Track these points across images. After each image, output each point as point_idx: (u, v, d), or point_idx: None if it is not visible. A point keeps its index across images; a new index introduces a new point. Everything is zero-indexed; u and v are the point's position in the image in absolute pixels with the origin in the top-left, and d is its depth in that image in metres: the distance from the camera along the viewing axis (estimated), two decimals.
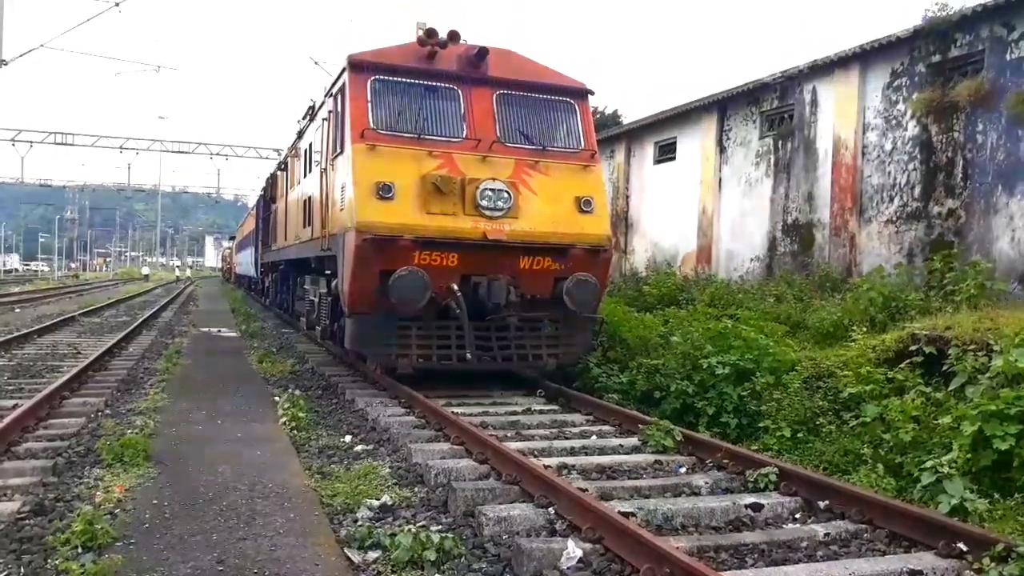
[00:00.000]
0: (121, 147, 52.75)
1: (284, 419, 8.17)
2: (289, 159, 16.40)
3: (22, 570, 4.22)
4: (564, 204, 9.84)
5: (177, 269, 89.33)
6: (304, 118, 13.91)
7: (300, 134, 14.56)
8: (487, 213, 9.35)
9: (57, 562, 4.26)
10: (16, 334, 15.77)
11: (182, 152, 54.97)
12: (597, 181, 10.30)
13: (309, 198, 12.83)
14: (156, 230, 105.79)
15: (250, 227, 30.72)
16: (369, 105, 9.51)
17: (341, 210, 9.77)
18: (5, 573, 4.18)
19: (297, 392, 9.17)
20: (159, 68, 36.37)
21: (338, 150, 10.14)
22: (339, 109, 10.22)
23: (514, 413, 9.00)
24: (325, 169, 10.97)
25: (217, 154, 54.22)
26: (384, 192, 9.05)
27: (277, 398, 9.56)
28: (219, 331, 19.20)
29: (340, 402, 9.72)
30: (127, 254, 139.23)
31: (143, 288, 48.18)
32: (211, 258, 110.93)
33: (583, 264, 9.72)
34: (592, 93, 10.71)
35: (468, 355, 9.21)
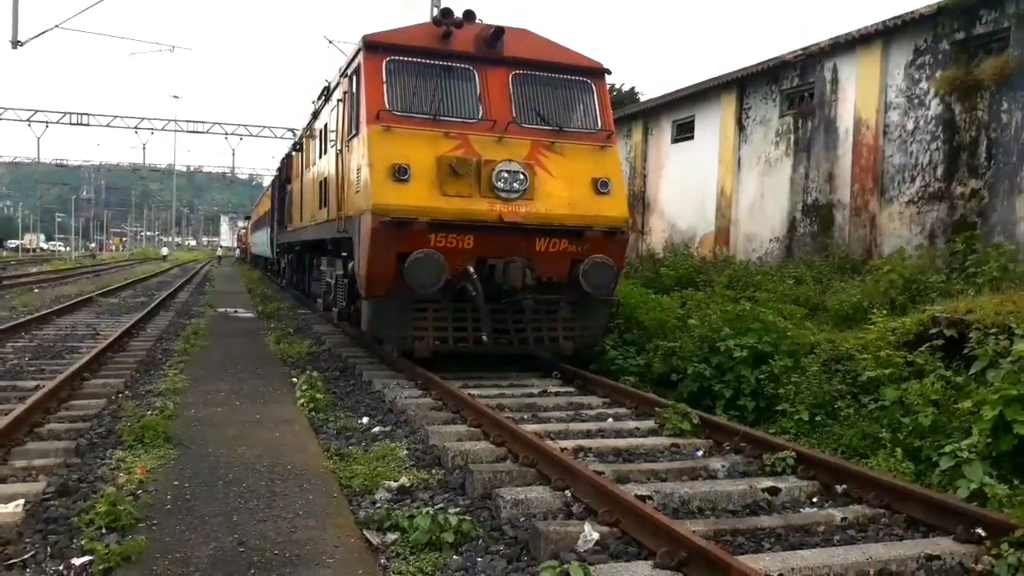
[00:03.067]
0: (136, 127, 53.07)
1: (302, 400, 8.27)
2: (304, 139, 16.44)
3: (48, 550, 4.32)
4: (581, 185, 9.83)
5: (220, 248, 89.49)
6: (319, 98, 13.93)
7: (315, 114, 14.59)
8: (503, 195, 9.36)
9: (82, 542, 4.36)
10: (36, 315, 15.98)
11: (197, 132, 55.25)
12: (614, 162, 10.28)
13: (325, 179, 12.87)
14: (172, 209, 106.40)
15: (265, 207, 30.85)
16: (384, 86, 9.52)
17: (357, 192, 9.82)
18: (32, 553, 4.28)
19: (315, 374, 9.25)
20: (173, 48, 36.42)
21: (353, 131, 10.17)
22: (354, 90, 10.23)
23: (530, 395, 9.05)
24: (340, 150, 11.00)
25: (232, 133, 54.48)
26: (400, 174, 9.08)
27: (295, 379, 9.67)
28: (236, 312, 19.32)
29: (357, 384, 9.81)
30: (143, 234, 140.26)
31: (160, 268, 48.56)
32: (226, 238, 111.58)
33: (600, 246, 9.72)
34: (609, 72, 10.66)
35: (484, 337, 9.26)
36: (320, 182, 13.47)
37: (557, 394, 9.17)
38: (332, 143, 11.94)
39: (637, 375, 9.69)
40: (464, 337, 9.53)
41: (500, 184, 9.34)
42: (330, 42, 25.20)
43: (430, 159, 9.28)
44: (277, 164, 24.99)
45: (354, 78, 10.25)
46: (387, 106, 9.41)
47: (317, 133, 14.29)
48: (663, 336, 10.24)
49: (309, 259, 16.98)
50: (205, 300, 22.76)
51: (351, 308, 11.19)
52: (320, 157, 13.79)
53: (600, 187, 9.87)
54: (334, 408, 8.32)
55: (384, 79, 9.54)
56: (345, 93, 10.78)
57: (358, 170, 9.79)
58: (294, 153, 18.89)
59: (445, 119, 9.54)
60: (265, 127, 54.85)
